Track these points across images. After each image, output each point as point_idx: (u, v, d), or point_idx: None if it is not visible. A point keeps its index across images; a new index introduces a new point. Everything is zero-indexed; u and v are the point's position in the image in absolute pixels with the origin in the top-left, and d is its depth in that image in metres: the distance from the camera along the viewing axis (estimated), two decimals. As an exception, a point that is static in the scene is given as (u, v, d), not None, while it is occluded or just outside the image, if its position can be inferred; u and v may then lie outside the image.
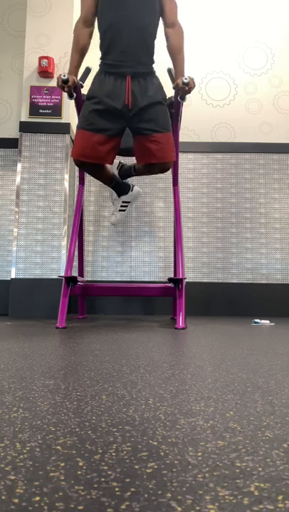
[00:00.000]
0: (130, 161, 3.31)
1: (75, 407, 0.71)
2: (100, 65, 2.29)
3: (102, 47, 2.28)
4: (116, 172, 2.64)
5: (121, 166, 2.64)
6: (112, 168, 2.64)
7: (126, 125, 2.27)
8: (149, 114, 2.22)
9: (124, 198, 2.67)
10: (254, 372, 1.02)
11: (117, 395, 0.79)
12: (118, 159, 2.67)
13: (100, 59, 2.29)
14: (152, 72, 2.29)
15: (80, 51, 2.31)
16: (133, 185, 2.69)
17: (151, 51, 2.29)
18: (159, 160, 2.28)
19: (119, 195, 2.68)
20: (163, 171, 2.40)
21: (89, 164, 2.29)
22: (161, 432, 0.59)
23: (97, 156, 2.23)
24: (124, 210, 2.72)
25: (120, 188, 2.63)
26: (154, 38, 2.29)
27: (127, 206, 2.71)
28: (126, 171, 2.61)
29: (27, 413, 0.67)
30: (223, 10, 3.53)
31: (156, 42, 2.31)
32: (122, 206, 2.70)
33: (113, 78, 2.22)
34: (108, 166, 2.46)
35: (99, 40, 2.30)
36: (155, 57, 2.33)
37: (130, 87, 2.20)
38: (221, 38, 3.51)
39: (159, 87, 2.28)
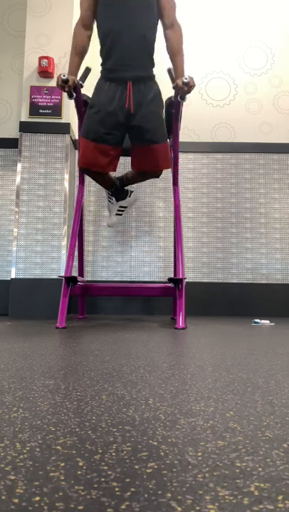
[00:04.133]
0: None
1: (75, 407, 0.71)
2: (100, 72, 2.31)
3: (102, 53, 2.30)
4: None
5: (116, 178, 2.72)
6: None
7: (126, 133, 2.32)
8: (147, 125, 2.27)
9: (121, 203, 2.76)
10: (254, 372, 1.02)
11: (117, 395, 0.79)
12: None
13: (101, 65, 2.31)
14: (152, 77, 2.31)
15: (79, 54, 2.33)
16: (131, 191, 2.77)
17: (152, 54, 2.31)
18: (153, 168, 2.41)
19: (117, 200, 2.75)
20: (155, 176, 2.56)
21: (94, 172, 2.41)
22: (161, 432, 0.59)
23: (101, 165, 2.32)
24: (120, 215, 2.80)
25: (120, 193, 2.72)
26: (154, 41, 2.31)
27: (123, 211, 2.80)
28: (121, 181, 2.69)
29: (27, 413, 0.67)
30: (223, 10, 3.53)
31: (156, 42, 2.31)
32: (118, 210, 2.77)
33: (114, 85, 2.24)
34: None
35: (98, 39, 2.30)
36: (155, 58, 2.34)
37: (132, 93, 2.22)
38: (221, 38, 3.51)
39: (158, 95, 2.31)
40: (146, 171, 2.45)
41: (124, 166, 3.33)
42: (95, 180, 2.55)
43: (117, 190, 2.70)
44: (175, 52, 2.30)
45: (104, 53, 2.27)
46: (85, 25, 2.32)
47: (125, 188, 2.74)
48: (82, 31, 2.32)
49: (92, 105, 2.30)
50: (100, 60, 2.33)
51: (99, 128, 2.26)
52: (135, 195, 2.82)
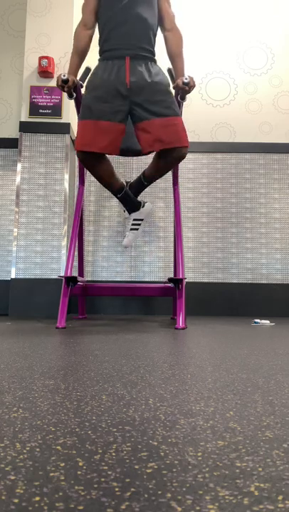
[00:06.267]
0: (129, 161, 3.31)
1: (75, 407, 0.71)
2: (98, 60, 2.27)
3: (100, 40, 2.27)
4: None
5: (129, 185, 2.47)
6: None
7: (129, 107, 2.16)
8: (152, 97, 2.13)
9: (134, 215, 2.44)
10: (254, 372, 1.02)
11: (117, 395, 0.79)
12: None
13: (99, 52, 2.28)
14: (153, 59, 2.25)
15: (80, 54, 2.32)
16: (144, 202, 2.50)
17: (152, 41, 2.26)
18: (166, 145, 2.09)
19: (129, 212, 2.45)
20: (177, 159, 2.17)
21: (91, 155, 2.13)
22: (161, 432, 0.59)
23: (101, 144, 2.10)
24: (136, 229, 2.46)
25: (130, 202, 2.42)
26: (155, 33, 2.28)
27: (140, 225, 2.46)
28: (136, 185, 2.45)
29: (27, 413, 0.67)
30: (223, 10, 3.53)
31: (157, 41, 2.32)
32: (133, 225, 2.44)
33: (111, 63, 2.18)
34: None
35: (98, 39, 2.31)
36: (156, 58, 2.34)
37: (129, 67, 2.15)
38: (221, 38, 3.51)
39: (161, 72, 2.23)
40: (159, 154, 2.14)
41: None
42: (95, 175, 2.25)
43: (128, 199, 2.39)
44: (175, 55, 2.30)
45: (104, 38, 2.24)
46: (86, 26, 2.31)
47: (138, 198, 2.49)
48: (84, 31, 2.31)
49: (87, 86, 2.20)
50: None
51: (97, 103, 2.13)
52: (150, 204, 2.51)
